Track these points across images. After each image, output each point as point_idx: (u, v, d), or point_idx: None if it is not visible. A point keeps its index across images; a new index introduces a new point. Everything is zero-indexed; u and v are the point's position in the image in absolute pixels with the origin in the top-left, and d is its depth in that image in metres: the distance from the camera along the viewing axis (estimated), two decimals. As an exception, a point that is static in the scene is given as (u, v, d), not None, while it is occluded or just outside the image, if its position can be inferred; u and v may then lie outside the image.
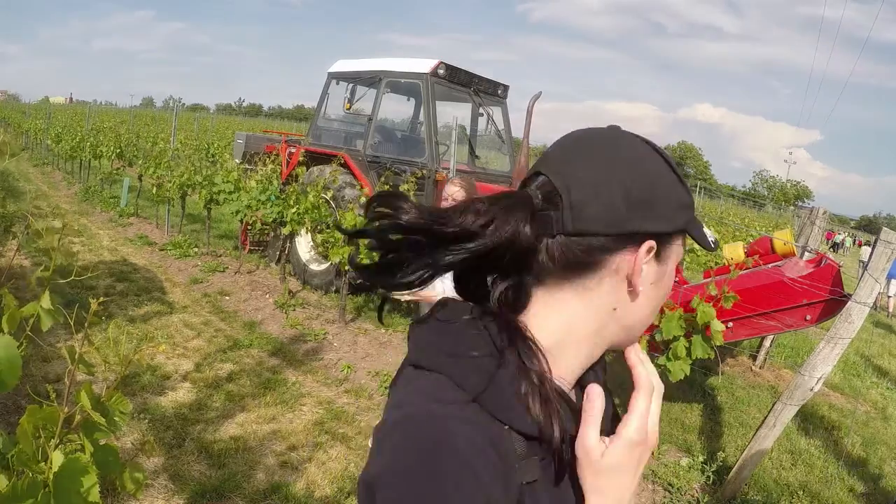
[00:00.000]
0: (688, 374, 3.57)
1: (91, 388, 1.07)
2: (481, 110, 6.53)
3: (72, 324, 1.03)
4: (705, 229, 0.73)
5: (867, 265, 3.05)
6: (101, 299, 1.03)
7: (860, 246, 33.95)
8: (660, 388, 0.70)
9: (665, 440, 4.19)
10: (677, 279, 4.88)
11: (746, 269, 4.16)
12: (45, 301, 1.10)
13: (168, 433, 3.42)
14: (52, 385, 3.71)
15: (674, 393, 5.03)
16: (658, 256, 0.68)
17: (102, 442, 1.11)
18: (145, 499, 2.83)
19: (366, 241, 0.66)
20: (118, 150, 12.06)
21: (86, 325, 1.01)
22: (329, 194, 6.10)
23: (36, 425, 1.00)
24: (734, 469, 3.50)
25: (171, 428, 3.48)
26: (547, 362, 0.66)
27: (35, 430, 1.00)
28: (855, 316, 3.06)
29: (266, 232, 7.50)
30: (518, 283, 0.70)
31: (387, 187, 5.50)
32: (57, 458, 1.00)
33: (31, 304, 1.10)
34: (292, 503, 2.95)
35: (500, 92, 6.71)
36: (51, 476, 0.99)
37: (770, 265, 4.27)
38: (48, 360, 4.03)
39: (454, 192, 3.28)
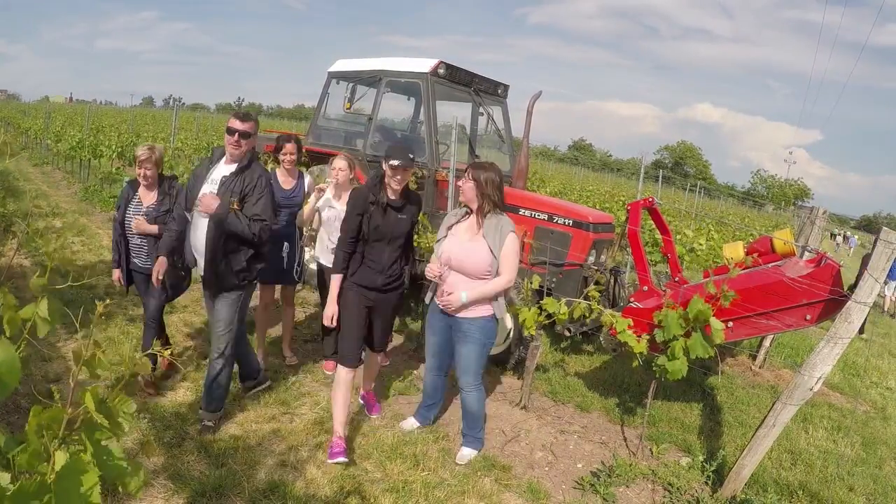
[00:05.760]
0: (685, 374, 3.57)
1: (97, 390, 1.07)
2: (481, 110, 6.52)
3: (77, 325, 1.03)
4: None
5: (867, 265, 3.05)
6: (107, 302, 1.03)
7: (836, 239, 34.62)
8: None
9: (665, 440, 4.19)
10: (677, 278, 4.89)
11: (746, 268, 4.16)
12: (42, 308, 1.09)
13: (168, 433, 3.42)
14: (53, 385, 3.71)
15: (673, 392, 5.03)
16: None
17: (104, 443, 1.11)
18: (145, 499, 2.83)
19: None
20: (118, 150, 12.05)
21: (92, 327, 1.01)
22: None
23: (40, 425, 1.00)
24: (734, 469, 3.50)
25: (171, 428, 3.48)
26: None
27: (39, 430, 1.00)
28: (855, 316, 3.06)
29: (266, 232, 7.48)
30: None
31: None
32: (60, 459, 1.00)
33: (29, 306, 1.09)
34: (292, 503, 2.95)
35: (500, 91, 6.71)
36: (52, 476, 0.99)
37: (770, 265, 4.27)
38: (48, 359, 4.03)
39: (340, 166, 4.28)
